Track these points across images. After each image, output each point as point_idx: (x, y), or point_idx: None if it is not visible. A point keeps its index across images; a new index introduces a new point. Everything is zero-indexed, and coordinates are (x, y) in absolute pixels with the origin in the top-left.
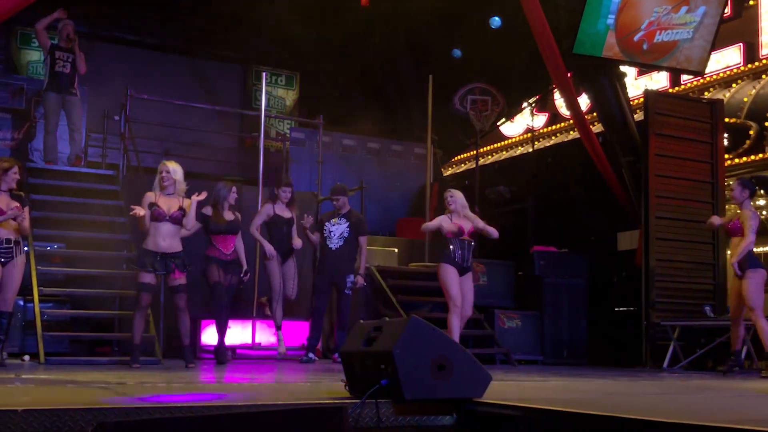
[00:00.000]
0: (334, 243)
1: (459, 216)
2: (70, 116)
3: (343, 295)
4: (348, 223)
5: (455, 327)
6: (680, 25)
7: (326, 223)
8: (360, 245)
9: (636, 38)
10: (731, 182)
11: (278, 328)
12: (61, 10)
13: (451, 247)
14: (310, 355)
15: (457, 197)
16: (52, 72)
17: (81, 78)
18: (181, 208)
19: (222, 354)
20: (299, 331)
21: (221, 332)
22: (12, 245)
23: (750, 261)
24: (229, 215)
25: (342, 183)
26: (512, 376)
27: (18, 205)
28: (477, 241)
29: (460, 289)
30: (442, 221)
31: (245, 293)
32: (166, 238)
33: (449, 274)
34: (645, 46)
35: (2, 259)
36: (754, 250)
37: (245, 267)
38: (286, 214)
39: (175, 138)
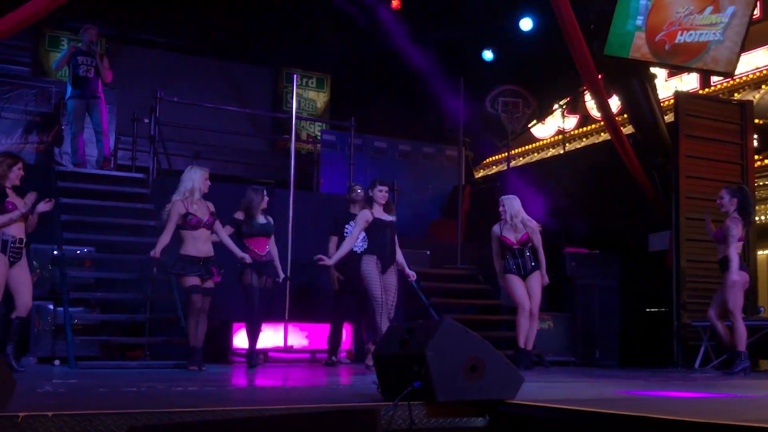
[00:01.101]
0: (359, 246)
1: (508, 226)
2: (94, 119)
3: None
4: None
5: (521, 326)
6: (705, 26)
7: (346, 226)
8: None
9: (657, 38)
10: (762, 183)
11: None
12: (72, 46)
13: (507, 259)
14: (333, 358)
15: (507, 206)
16: (75, 77)
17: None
18: (212, 213)
19: (253, 357)
20: (327, 333)
21: (254, 335)
22: (22, 245)
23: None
24: (261, 219)
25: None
26: (544, 378)
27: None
28: None
29: (525, 292)
30: (493, 234)
31: (278, 296)
32: (205, 243)
33: (511, 282)
34: (667, 47)
35: (11, 259)
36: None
37: (281, 275)
38: (387, 216)
39: (205, 141)
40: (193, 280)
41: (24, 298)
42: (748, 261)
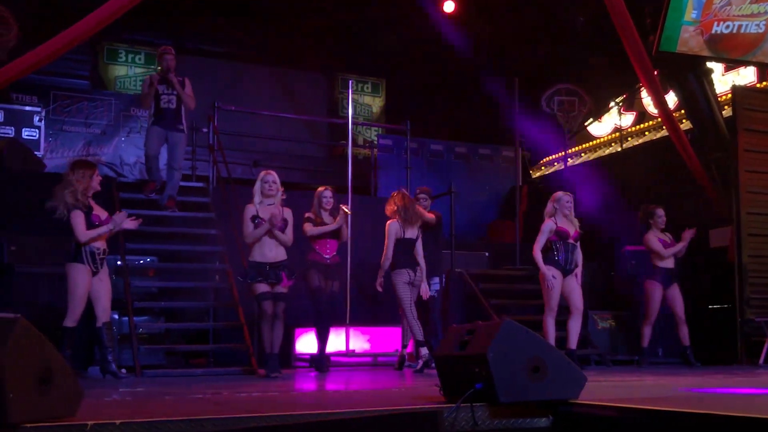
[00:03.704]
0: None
1: (566, 219)
2: (172, 153)
3: (430, 299)
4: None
5: (549, 328)
6: (744, 17)
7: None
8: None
9: (695, 30)
10: None
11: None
12: (149, 77)
13: (555, 250)
14: (423, 351)
15: (571, 203)
16: (157, 108)
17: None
18: (283, 219)
19: (323, 362)
20: (390, 337)
21: (323, 340)
22: (104, 256)
23: None
24: (327, 219)
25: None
26: (607, 377)
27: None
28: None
29: (563, 291)
30: (548, 228)
31: (339, 300)
32: (272, 249)
33: (552, 279)
34: (704, 37)
35: (94, 270)
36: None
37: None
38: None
39: (263, 148)
40: (261, 287)
41: (104, 304)
42: None
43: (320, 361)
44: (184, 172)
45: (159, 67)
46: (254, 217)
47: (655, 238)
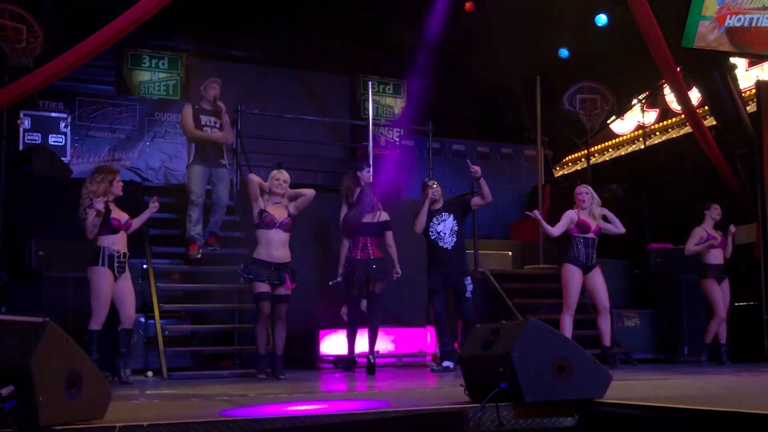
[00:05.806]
0: (448, 242)
1: (587, 213)
2: (216, 190)
3: (464, 300)
4: (452, 215)
5: (566, 326)
6: (756, 10)
7: (430, 224)
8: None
9: (710, 23)
10: None
11: None
12: (190, 105)
13: (575, 246)
14: (446, 363)
15: (591, 194)
16: (199, 141)
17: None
18: (290, 215)
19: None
20: (413, 337)
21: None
22: (126, 260)
23: None
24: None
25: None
26: (633, 376)
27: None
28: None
29: (588, 289)
30: (568, 216)
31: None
32: (279, 248)
33: (572, 274)
34: (717, 32)
35: (117, 274)
36: None
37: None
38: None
39: (286, 151)
40: (262, 287)
41: (128, 311)
42: None
43: (373, 365)
44: None
45: (202, 101)
46: (261, 212)
47: (699, 233)
